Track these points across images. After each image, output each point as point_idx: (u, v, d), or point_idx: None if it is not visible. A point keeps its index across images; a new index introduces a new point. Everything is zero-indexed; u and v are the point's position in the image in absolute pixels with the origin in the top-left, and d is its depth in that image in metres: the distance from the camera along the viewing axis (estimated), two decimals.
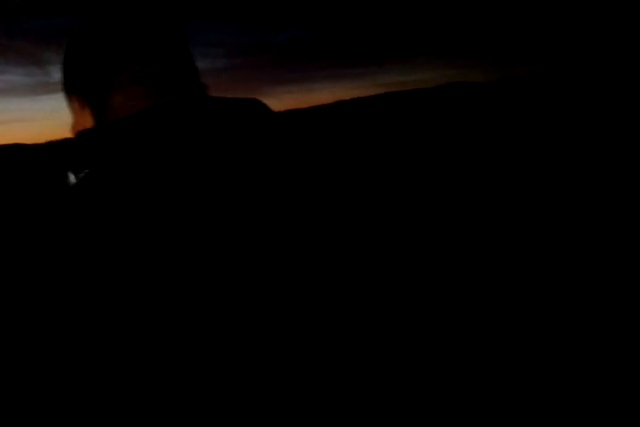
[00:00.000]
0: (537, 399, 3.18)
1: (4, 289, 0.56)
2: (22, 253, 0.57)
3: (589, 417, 2.97)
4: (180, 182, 0.55)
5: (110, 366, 0.53)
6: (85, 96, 0.68)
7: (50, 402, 0.55)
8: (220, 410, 0.53)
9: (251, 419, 0.54)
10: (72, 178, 0.62)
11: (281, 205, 0.58)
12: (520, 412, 3.05)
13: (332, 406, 0.59)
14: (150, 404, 0.53)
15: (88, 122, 0.68)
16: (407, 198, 7.91)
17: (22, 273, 0.55)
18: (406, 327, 0.67)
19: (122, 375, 0.53)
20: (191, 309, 0.54)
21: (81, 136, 0.65)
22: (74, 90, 0.69)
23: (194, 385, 0.52)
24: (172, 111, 0.59)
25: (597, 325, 4.27)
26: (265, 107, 0.68)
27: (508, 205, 6.91)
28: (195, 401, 0.53)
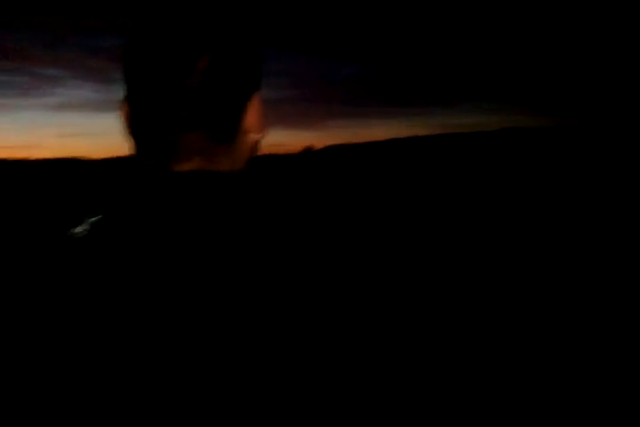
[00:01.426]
0: (536, 399, 3.16)
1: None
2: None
3: (589, 417, 2.94)
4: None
5: (110, 366, 0.59)
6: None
7: (50, 402, 0.61)
8: (219, 409, 0.56)
9: (250, 419, 0.58)
10: (85, 224, 0.70)
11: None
12: (520, 411, 3.04)
13: (330, 406, 0.62)
14: (150, 404, 0.57)
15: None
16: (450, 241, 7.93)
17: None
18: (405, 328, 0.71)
19: (122, 376, 0.59)
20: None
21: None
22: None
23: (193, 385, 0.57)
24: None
25: (594, 325, 4.23)
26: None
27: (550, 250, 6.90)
28: (194, 401, 0.57)
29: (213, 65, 0.65)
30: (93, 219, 0.67)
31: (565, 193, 13.72)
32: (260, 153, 0.76)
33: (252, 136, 0.70)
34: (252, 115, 0.69)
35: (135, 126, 0.68)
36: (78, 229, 0.67)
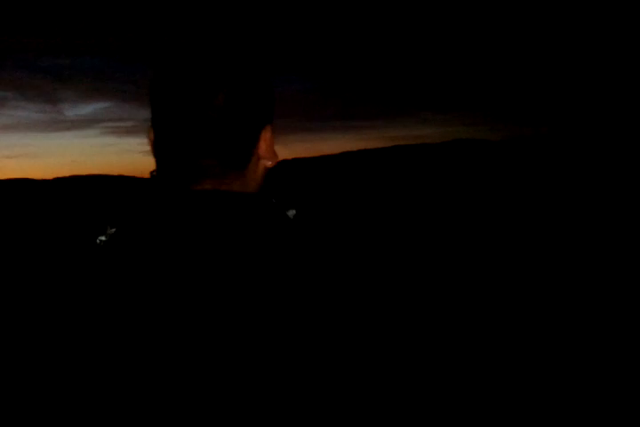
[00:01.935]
0: (536, 399, 3.15)
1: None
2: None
3: (589, 417, 2.94)
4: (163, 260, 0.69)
5: (110, 366, 0.68)
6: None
7: (50, 402, 0.63)
8: (217, 409, 0.64)
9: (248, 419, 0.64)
10: (105, 233, 0.78)
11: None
12: (519, 411, 3.02)
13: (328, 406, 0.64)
14: (150, 404, 0.64)
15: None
16: (402, 255, 8.00)
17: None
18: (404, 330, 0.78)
19: (122, 376, 0.68)
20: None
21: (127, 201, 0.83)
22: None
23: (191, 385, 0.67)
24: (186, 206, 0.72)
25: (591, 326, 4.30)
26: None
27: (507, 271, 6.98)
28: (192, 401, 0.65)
29: (230, 100, 0.74)
30: (113, 230, 0.75)
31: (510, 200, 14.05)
32: None
33: (264, 163, 0.77)
34: (264, 143, 0.77)
35: (159, 150, 0.76)
36: (102, 238, 0.76)
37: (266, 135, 0.77)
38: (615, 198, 11.99)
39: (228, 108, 0.73)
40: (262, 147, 0.76)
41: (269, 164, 0.78)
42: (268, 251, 0.68)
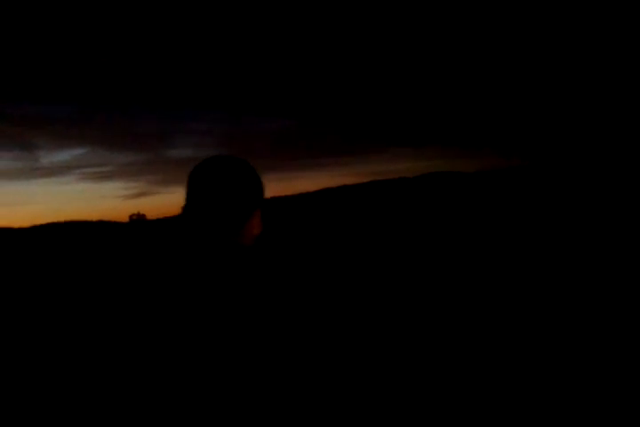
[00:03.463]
0: (536, 399, 3.13)
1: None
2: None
3: (589, 417, 2.93)
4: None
5: (112, 367, 0.82)
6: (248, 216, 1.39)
7: (51, 402, 0.72)
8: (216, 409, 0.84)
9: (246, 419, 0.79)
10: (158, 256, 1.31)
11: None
12: (519, 411, 3.00)
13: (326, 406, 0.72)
14: (150, 404, 0.76)
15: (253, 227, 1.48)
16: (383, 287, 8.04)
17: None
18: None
19: (123, 376, 0.83)
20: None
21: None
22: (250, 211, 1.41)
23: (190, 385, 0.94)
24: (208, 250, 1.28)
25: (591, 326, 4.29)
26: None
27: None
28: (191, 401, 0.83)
29: (238, 202, 1.35)
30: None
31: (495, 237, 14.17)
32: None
33: (255, 231, 1.40)
34: (256, 219, 1.40)
35: (188, 217, 1.34)
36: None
37: (257, 215, 1.39)
38: (590, 229, 12.16)
39: (236, 203, 1.32)
40: (254, 222, 1.39)
41: (257, 231, 1.39)
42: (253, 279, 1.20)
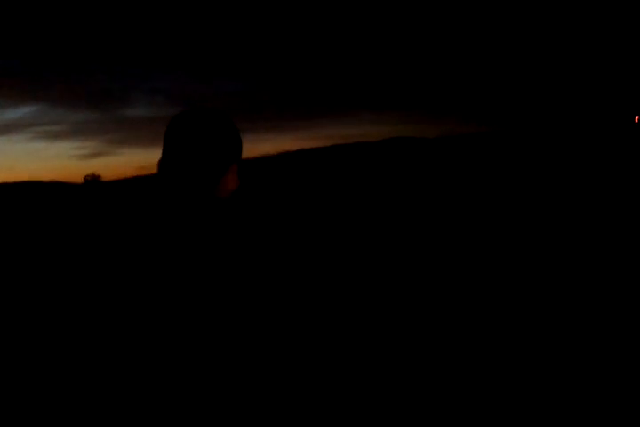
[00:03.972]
0: (536, 399, 3.15)
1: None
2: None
3: (589, 417, 2.96)
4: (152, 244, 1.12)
5: (110, 365, 0.77)
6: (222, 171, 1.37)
7: (50, 401, 0.68)
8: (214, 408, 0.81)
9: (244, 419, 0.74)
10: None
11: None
12: (519, 411, 3.01)
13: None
14: (149, 404, 0.73)
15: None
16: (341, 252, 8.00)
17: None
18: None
19: (122, 375, 0.79)
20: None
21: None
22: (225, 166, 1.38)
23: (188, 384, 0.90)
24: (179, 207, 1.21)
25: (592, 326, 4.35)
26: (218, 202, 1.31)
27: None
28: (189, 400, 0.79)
29: (213, 154, 1.32)
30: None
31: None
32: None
33: (231, 185, 1.36)
34: (231, 174, 1.36)
35: (165, 171, 1.31)
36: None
37: (233, 169, 1.36)
38: (555, 200, 12.35)
39: (212, 158, 1.30)
40: (230, 176, 1.35)
41: (234, 186, 1.36)
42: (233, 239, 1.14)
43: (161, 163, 1.31)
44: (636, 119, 32.73)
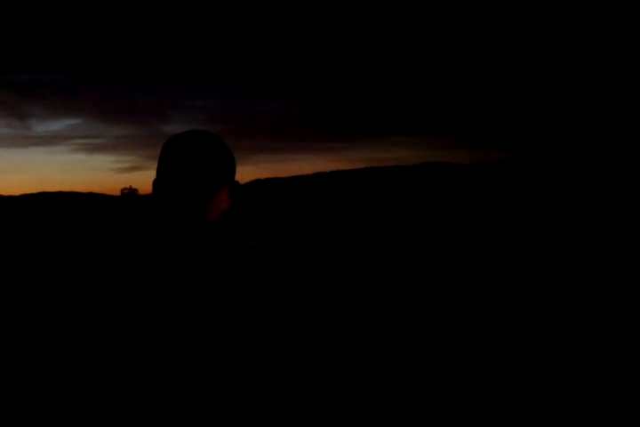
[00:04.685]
0: (536, 399, 3.08)
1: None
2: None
3: (589, 417, 2.88)
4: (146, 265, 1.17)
5: (110, 366, 0.77)
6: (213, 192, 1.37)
7: (50, 401, 0.68)
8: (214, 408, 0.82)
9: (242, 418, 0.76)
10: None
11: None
12: (519, 411, 2.95)
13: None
14: (148, 403, 0.73)
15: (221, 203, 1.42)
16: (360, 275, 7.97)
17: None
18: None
19: (122, 375, 0.79)
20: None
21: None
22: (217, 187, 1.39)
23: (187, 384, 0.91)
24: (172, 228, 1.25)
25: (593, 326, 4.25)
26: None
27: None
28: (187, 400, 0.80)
29: (207, 174, 1.34)
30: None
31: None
32: None
33: (223, 206, 1.38)
34: (223, 194, 1.37)
35: (159, 189, 1.34)
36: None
37: (225, 190, 1.37)
38: (584, 223, 12.13)
39: (201, 179, 1.31)
40: (221, 197, 1.36)
41: (225, 207, 1.38)
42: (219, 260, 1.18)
43: (154, 183, 1.34)
44: None
